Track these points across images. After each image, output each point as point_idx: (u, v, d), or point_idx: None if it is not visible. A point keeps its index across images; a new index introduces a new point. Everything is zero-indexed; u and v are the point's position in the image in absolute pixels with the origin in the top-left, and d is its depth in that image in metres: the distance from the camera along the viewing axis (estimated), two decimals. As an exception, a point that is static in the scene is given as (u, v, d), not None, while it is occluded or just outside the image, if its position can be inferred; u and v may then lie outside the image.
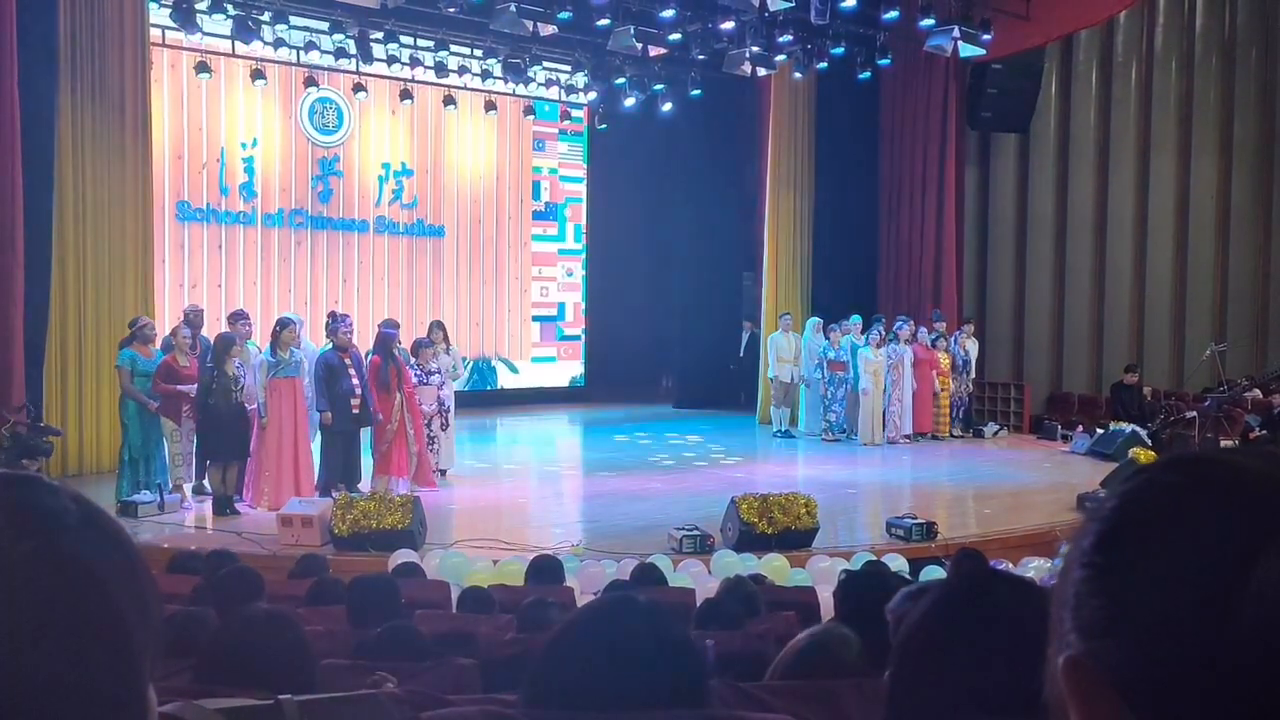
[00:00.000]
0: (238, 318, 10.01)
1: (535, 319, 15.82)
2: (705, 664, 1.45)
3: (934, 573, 6.60)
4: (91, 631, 0.61)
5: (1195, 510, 0.59)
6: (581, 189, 16.68)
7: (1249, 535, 0.57)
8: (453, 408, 11.04)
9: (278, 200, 13.71)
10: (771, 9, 11.70)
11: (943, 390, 14.43)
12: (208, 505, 9.18)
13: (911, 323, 14.24)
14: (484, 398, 16.35)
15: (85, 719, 0.60)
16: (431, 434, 10.46)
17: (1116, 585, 0.60)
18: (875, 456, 13.13)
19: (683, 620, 1.56)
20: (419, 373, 10.37)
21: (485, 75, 14.94)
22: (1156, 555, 0.59)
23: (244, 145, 13.41)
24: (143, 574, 0.67)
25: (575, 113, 17.65)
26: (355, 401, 9.53)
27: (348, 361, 9.62)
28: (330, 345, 9.89)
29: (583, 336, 17.89)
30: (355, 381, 9.58)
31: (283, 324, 9.59)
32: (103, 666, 0.61)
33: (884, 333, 13.86)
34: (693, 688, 1.39)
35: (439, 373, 10.69)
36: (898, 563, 7.11)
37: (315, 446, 9.77)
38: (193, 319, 10.15)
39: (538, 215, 15.86)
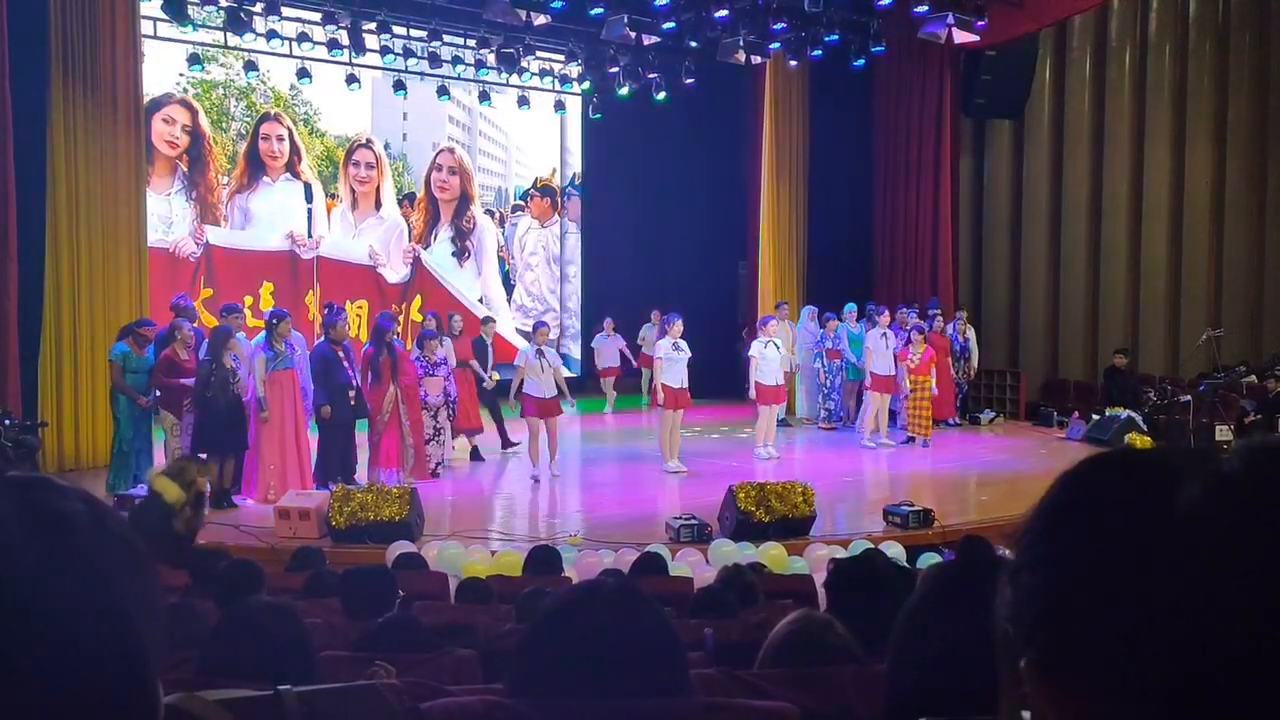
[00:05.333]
0: (230, 310, 9.99)
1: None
2: (682, 648, 1.45)
3: (931, 560, 6.61)
4: (103, 630, 0.63)
5: (1099, 507, 0.60)
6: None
7: (1153, 515, 0.58)
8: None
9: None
10: (765, -3, 11.69)
11: (916, 390, 12.73)
12: (205, 498, 9.17)
13: (906, 310, 14.20)
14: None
15: (97, 714, 0.62)
16: (438, 425, 10.45)
17: (1047, 584, 0.62)
18: (872, 444, 13.12)
19: (661, 607, 1.54)
20: (424, 365, 10.36)
21: (479, 65, 14.94)
22: (1073, 550, 0.60)
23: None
24: (149, 572, 0.70)
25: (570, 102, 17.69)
26: (352, 393, 9.54)
27: (341, 354, 9.62)
28: (325, 338, 9.88)
29: (577, 326, 18.12)
30: (351, 373, 9.59)
31: (278, 316, 9.59)
32: (113, 663, 0.63)
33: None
34: (670, 672, 1.39)
35: (444, 364, 10.68)
36: (895, 550, 7.12)
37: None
38: (187, 314, 10.11)
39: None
